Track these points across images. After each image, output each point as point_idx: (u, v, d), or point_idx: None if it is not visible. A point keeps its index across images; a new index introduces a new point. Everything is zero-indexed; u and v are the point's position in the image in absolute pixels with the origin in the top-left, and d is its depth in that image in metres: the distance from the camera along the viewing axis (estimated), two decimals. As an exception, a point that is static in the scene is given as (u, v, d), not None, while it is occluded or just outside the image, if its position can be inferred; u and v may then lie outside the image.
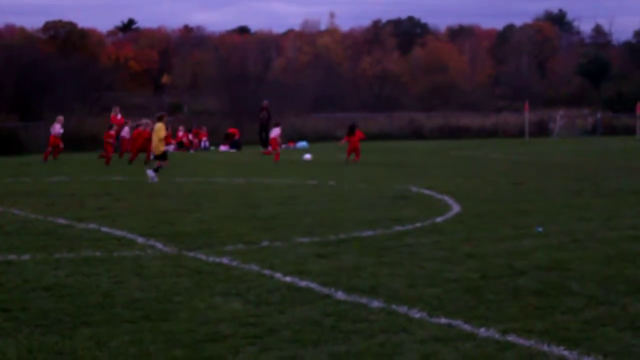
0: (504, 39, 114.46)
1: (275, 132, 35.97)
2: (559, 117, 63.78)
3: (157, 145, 25.75)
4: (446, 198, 19.97)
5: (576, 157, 34.45)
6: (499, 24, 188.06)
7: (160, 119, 26.18)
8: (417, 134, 60.92)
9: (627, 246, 13.07)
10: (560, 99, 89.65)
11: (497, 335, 8.22)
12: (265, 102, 45.45)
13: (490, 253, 12.51)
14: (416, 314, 9.02)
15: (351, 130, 33.11)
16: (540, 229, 14.73)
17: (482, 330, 8.39)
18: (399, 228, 15.12)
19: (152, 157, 28.87)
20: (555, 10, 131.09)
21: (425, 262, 11.86)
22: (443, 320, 8.75)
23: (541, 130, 62.55)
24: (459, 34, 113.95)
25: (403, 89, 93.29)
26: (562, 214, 17.20)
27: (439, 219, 16.34)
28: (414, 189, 22.45)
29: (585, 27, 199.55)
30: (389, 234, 14.56)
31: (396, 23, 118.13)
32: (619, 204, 18.85)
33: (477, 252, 12.61)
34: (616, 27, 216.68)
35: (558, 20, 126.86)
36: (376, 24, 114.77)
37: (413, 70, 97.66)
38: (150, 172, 25.26)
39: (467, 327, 8.50)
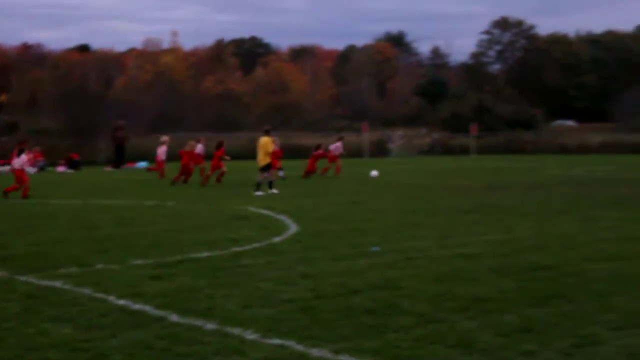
0: (345, 60, 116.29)
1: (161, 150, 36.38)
2: (397, 137, 65.06)
3: (264, 158, 27.76)
4: (284, 218, 20.08)
5: (413, 176, 35.20)
6: (340, 45, 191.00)
7: (267, 133, 28.49)
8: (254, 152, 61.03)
9: (458, 264, 13.40)
10: (399, 119, 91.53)
11: (329, 355, 8.27)
12: (120, 122, 45.00)
13: (326, 272, 12.61)
14: (250, 335, 9.00)
15: (218, 146, 32.98)
16: (376, 248, 14.96)
17: (315, 350, 8.43)
18: (236, 249, 15.08)
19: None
20: (395, 31, 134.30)
21: (260, 282, 11.86)
22: (276, 341, 8.75)
23: (380, 149, 63.62)
24: (301, 54, 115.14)
25: (245, 108, 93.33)
26: (397, 232, 17.52)
27: (276, 239, 16.39)
28: (252, 209, 22.48)
29: (424, 49, 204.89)
30: (225, 254, 14.50)
31: (239, 42, 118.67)
32: (452, 222, 19.34)
33: (312, 271, 12.68)
34: (453, 49, 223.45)
35: (398, 41, 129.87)
36: (219, 43, 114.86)
37: (255, 90, 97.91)
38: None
39: (300, 348, 8.52)
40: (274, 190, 27.87)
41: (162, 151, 38.07)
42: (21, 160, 27.46)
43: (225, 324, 9.47)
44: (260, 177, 28.07)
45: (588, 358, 8.22)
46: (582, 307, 10.30)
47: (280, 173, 34.40)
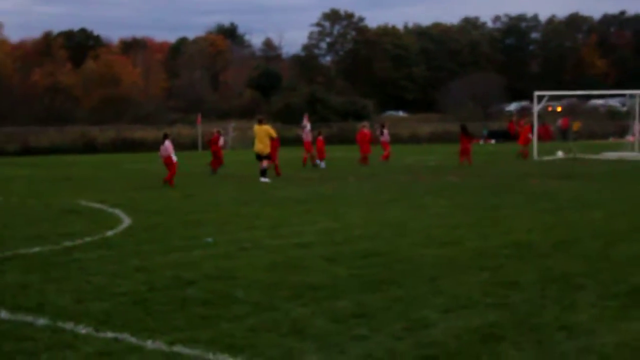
0: (178, 52, 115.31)
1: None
2: (231, 129, 64.97)
3: (266, 146, 29.51)
4: (117, 211, 19.81)
5: (247, 167, 35.20)
6: (172, 37, 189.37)
7: (260, 122, 30.18)
8: (90, 147, 59.88)
9: (291, 253, 13.53)
10: (232, 111, 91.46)
11: (164, 347, 8.23)
12: None
13: (159, 265, 12.53)
14: (82, 329, 8.86)
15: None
16: (209, 240, 14.96)
17: (149, 342, 8.38)
18: (67, 243, 14.79)
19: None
20: (227, 23, 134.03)
21: (93, 276, 11.69)
22: (110, 335, 8.65)
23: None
24: (132, 46, 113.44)
25: (75, 101, 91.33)
26: (231, 223, 17.56)
27: (109, 233, 16.16)
28: (84, 203, 22.08)
29: (256, 41, 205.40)
30: (57, 249, 14.20)
31: (68, 35, 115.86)
32: (286, 212, 19.50)
33: (146, 264, 12.58)
34: (285, 41, 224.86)
35: (230, 33, 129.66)
36: (47, 36, 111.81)
37: (86, 83, 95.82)
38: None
39: (133, 340, 8.46)
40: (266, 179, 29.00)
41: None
42: None
43: (57, 319, 9.30)
44: (265, 164, 29.39)
45: (418, 340, 8.45)
46: (412, 292, 10.58)
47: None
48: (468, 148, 36.37)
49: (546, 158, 40.74)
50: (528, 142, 43.39)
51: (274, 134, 30.34)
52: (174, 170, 28.02)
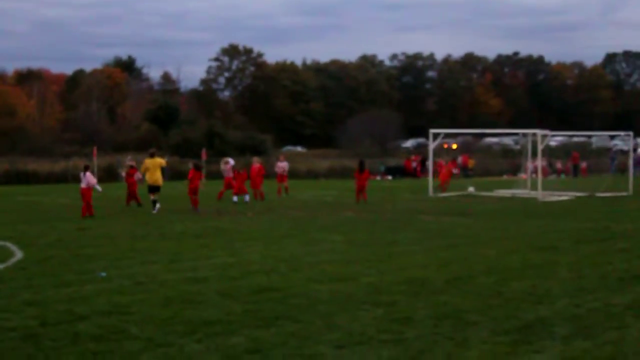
0: (74, 84, 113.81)
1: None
2: (128, 162, 64.14)
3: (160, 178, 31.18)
4: (8, 244, 19.42)
5: (144, 200, 34.75)
6: (69, 69, 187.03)
7: (152, 156, 31.46)
8: (-18, 179, 58.55)
9: (186, 288, 13.44)
10: (130, 144, 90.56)
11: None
12: None
13: (51, 299, 12.31)
14: (-31, 366, 8.66)
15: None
16: (103, 274, 14.75)
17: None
18: (-45, 277, 14.42)
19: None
20: (124, 56, 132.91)
21: (-18, 311, 11.41)
22: (-3, 371, 8.46)
23: (110, 175, 62.62)
24: (28, 77, 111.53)
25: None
26: (126, 257, 17.35)
27: (-1, 267, 15.82)
28: (-26, 236, 21.57)
29: (154, 74, 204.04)
30: (-56, 283, 13.83)
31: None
32: (182, 246, 19.36)
33: (37, 299, 12.35)
34: (183, 75, 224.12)
35: (127, 66, 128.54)
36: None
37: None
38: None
39: (22, 377, 8.29)
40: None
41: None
42: None
43: (-58, 355, 9.06)
44: (153, 197, 30.94)
45: (311, 375, 8.48)
46: (307, 327, 10.61)
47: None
48: (364, 185, 36.58)
49: (441, 194, 41.33)
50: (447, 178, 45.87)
51: (164, 163, 32.17)
52: (90, 199, 28.71)
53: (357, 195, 36.29)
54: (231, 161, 38.90)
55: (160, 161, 31.72)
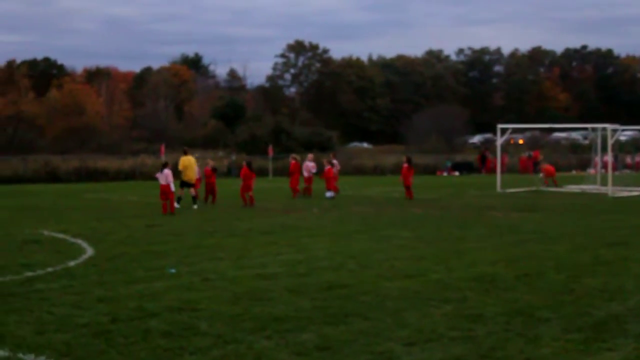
0: (142, 82, 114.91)
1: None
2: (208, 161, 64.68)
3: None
4: (80, 241, 19.65)
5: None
6: (136, 67, 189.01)
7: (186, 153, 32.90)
8: (53, 176, 59.40)
9: (255, 284, 13.47)
10: (196, 141, 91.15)
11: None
12: None
13: (122, 296, 12.42)
14: (43, 361, 8.76)
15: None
16: (172, 270, 14.85)
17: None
18: (29, 273, 14.64)
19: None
20: (191, 54, 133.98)
21: (55, 307, 11.57)
22: (71, 367, 8.55)
23: (176, 173, 63.14)
24: (96, 75, 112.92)
25: (38, 131, 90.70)
26: (194, 254, 17.45)
27: (71, 263, 16.01)
28: (46, 232, 21.88)
29: (221, 71, 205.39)
30: (18, 280, 14.05)
31: (31, 64, 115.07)
32: (250, 243, 19.41)
33: (108, 295, 12.47)
34: (249, 72, 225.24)
35: (194, 64, 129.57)
36: (10, 64, 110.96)
37: (49, 112, 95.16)
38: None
39: (95, 373, 8.36)
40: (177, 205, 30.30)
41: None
42: None
43: (18, 350, 9.20)
44: (193, 192, 31.75)
45: (382, 373, 8.43)
46: (377, 324, 10.56)
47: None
48: (409, 183, 36.04)
49: (509, 190, 40.93)
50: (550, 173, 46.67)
51: (195, 161, 33.05)
52: (172, 196, 29.19)
53: (407, 192, 35.77)
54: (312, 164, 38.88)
55: (193, 159, 32.80)
